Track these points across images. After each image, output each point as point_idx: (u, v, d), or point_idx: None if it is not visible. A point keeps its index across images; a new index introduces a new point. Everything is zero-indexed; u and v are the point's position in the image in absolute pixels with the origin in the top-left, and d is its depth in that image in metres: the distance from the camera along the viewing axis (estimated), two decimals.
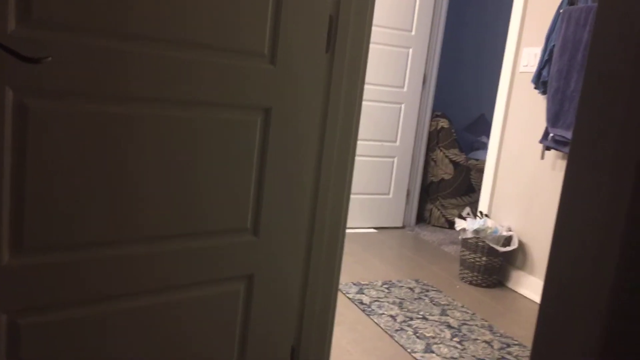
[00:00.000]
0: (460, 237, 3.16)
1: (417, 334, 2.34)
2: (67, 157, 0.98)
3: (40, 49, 0.91)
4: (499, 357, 2.21)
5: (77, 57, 0.95)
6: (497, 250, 2.96)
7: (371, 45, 3.77)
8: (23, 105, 0.92)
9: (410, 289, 2.89)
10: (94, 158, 1.01)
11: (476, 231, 2.99)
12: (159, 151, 1.08)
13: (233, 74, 1.14)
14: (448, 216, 4.28)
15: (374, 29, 3.74)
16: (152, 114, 1.06)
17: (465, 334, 2.39)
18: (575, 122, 0.66)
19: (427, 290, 2.89)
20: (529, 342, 2.38)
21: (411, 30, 3.86)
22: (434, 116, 4.24)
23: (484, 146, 4.74)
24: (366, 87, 3.81)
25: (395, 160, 4.03)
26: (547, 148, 2.78)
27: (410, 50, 3.89)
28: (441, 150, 4.19)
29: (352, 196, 3.93)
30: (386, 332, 2.34)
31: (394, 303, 2.67)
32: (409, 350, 2.18)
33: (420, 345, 2.24)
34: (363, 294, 2.74)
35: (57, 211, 0.99)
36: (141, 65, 1.02)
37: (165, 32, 1.04)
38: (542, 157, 2.83)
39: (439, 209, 4.30)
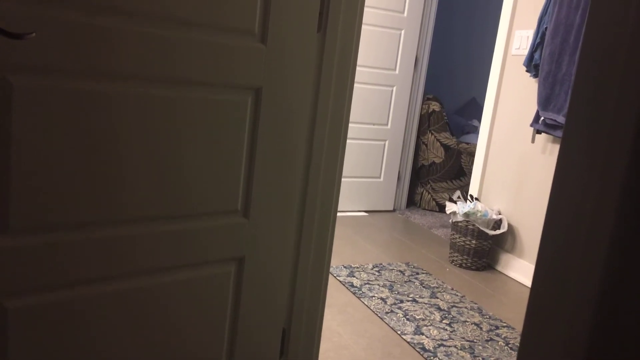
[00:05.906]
0: (450, 221, 3.17)
1: (407, 316, 2.36)
2: (51, 135, 0.96)
3: (24, 25, 0.89)
4: (488, 338, 2.24)
5: (60, 34, 0.92)
6: (486, 234, 2.98)
7: (363, 27, 3.73)
8: (7, 83, 0.89)
9: (401, 271, 2.91)
10: (79, 137, 0.99)
11: (466, 214, 3.00)
12: (145, 130, 1.07)
13: (222, 52, 1.12)
14: (438, 199, 4.29)
15: (365, 9, 3.70)
16: (137, 93, 1.04)
17: (454, 316, 2.42)
18: (568, 105, 0.66)
19: (417, 273, 2.91)
20: (517, 324, 2.41)
21: (403, 12, 3.83)
22: (425, 99, 4.22)
23: (474, 130, 4.74)
24: (358, 69, 3.78)
25: (386, 143, 4.03)
26: (538, 132, 2.78)
27: (402, 32, 3.86)
28: (432, 134, 4.19)
29: (343, 179, 3.93)
30: (376, 314, 2.35)
31: (384, 286, 2.68)
32: (399, 332, 2.20)
33: (410, 327, 2.25)
34: (354, 276, 2.76)
35: (41, 191, 0.97)
36: (125, 43, 1.00)
37: (150, 8, 1.02)
38: (533, 140, 2.84)
39: (429, 193, 4.31)
